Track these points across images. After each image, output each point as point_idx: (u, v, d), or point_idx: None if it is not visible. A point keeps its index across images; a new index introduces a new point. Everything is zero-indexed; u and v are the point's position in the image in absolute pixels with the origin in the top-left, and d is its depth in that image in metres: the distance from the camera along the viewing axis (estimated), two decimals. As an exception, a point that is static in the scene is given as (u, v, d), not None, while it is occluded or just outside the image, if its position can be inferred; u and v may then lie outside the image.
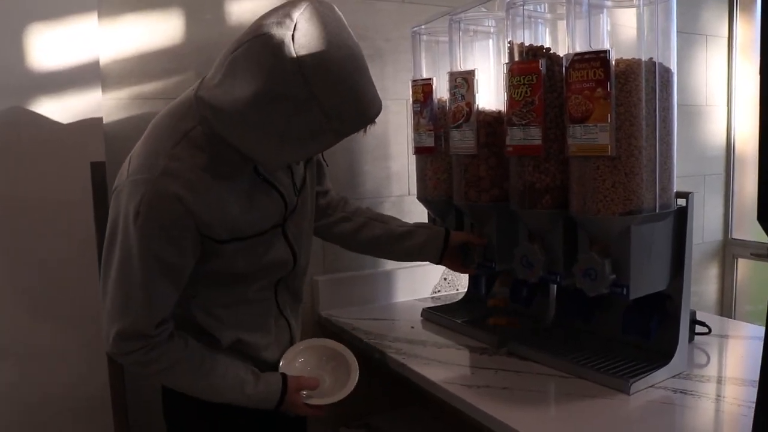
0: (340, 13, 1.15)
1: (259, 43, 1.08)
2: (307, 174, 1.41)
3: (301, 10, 1.09)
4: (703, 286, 2.86)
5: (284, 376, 1.35)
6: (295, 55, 1.05)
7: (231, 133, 1.15)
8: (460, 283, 2.21)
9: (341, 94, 1.09)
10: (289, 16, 1.08)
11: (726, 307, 2.92)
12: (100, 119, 1.63)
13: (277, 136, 1.12)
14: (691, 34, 2.74)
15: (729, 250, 2.94)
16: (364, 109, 1.13)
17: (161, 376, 1.29)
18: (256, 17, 1.18)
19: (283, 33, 1.06)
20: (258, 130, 1.12)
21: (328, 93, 1.08)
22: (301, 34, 1.06)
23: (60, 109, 1.59)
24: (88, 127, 1.62)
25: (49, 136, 1.58)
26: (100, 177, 1.62)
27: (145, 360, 1.22)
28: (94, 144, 1.63)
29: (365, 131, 1.18)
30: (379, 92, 1.19)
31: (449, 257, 1.66)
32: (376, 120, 1.17)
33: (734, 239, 2.92)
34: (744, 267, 2.91)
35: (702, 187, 2.81)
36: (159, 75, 1.77)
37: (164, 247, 1.16)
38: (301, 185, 1.39)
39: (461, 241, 1.65)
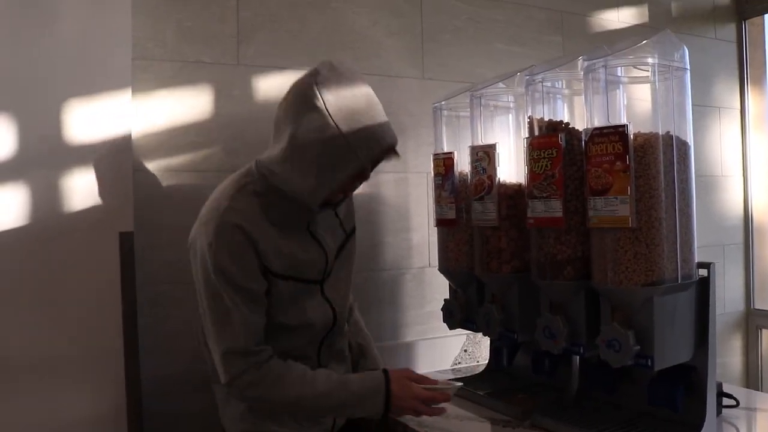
0: (354, 66, 1.35)
1: (291, 95, 1.31)
2: (348, 244, 1.55)
3: (323, 64, 1.30)
4: (727, 357, 2.81)
5: (386, 370, 1.41)
6: (319, 96, 1.25)
7: (279, 177, 1.32)
8: (481, 355, 2.20)
9: (359, 126, 1.26)
10: (313, 70, 1.30)
11: (752, 379, 2.86)
12: (130, 190, 1.68)
13: (312, 169, 1.27)
14: (704, 107, 2.79)
15: (752, 321, 2.90)
16: (380, 137, 1.29)
17: (273, 392, 1.35)
18: (283, 93, 1.30)
19: (308, 81, 1.27)
20: (296, 167, 1.29)
21: (349, 126, 1.25)
22: (322, 79, 1.26)
23: (93, 179, 1.64)
24: (119, 197, 1.67)
25: (80, 205, 1.63)
26: (127, 246, 1.66)
27: (257, 379, 1.32)
28: (124, 214, 1.67)
29: (388, 159, 1.35)
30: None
31: None
32: (397, 152, 1.34)
33: (757, 309, 2.88)
34: (769, 338, 2.87)
35: (722, 257, 2.80)
36: (188, 148, 1.84)
37: (237, 272, 1.31)
38: (339, 250, 1.51)
39: None
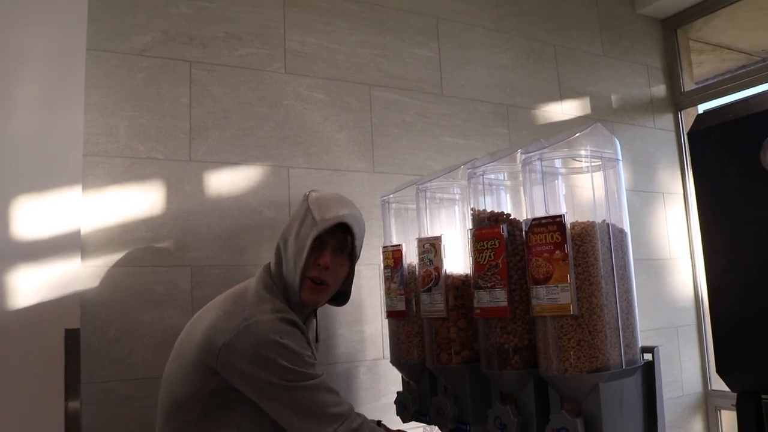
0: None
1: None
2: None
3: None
4: (688, 441, 2.81)
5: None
6: (308, 199, 1.64)
7: (277, 268, 1.62)
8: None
9: (322, 209, 1.60)
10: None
11: (715, 462, 2.85)
12: (77, 287, 1.66)
13: (295, 241, 1.59)
14: (648, 192, 2.90)
15: (711, 402, 2.91)
16: (333, 215, 1.59)
17: None
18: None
19: (305, 194, 1.68)
20: (289, 245, 1.60)
21: (316, 209, 1.60)
22: (313, 192, 1.68)
23: (39, 276, 1.62)
24: (65, 294, 1.65)
25: (26, 302, 1.60)
26: (73, 344, 1.63)
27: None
28: (70, 311, 1.65)
29: (343, 236, 1.62)
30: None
31: None
32: (351, 230, 1.61)
33: (714, 390, 2.90)
34: (729, 419, 2.87)
35: (675, 339, 2.85)
36: (138, 243, 1.83)
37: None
38: None
39: None
